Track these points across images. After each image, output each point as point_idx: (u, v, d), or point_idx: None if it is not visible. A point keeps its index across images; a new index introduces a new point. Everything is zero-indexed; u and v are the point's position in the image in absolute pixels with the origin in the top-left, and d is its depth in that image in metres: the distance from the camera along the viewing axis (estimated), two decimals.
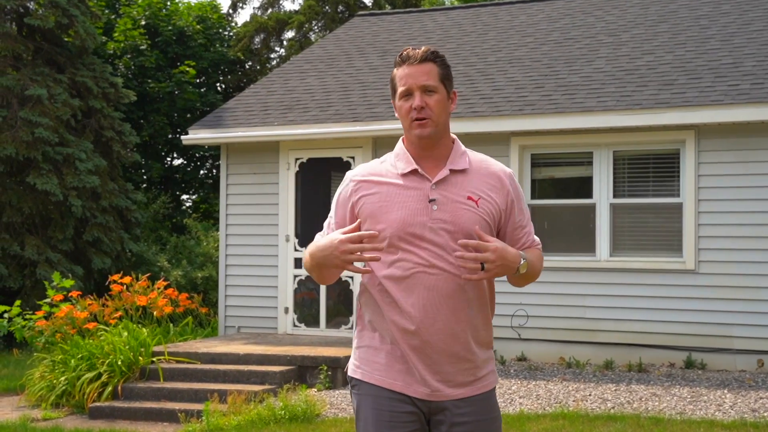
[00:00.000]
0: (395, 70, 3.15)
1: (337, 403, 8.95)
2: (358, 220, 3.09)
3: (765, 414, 8.03)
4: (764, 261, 9.84)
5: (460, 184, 3.10)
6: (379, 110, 11.61)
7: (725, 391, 8.88)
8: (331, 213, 3.23)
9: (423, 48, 3.11)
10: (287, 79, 13.45)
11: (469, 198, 3.08)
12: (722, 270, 10.00)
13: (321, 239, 3.11)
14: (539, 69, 11.84)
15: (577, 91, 10.96)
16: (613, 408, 8.39)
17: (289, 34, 24.80)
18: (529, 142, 10.86)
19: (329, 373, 9.61)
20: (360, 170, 3.20)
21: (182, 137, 12.60)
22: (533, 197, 10.89)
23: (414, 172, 3.10)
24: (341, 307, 11.79)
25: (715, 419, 7.87)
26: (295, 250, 11.84)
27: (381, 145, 11.51)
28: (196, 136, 12.41)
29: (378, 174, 3.15)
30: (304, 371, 9.85)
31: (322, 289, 11.73)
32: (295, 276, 11.85)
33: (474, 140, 11.04)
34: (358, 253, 2.97)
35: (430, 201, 3.06)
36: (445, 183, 3.09)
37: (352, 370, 3.22)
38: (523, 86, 11.41)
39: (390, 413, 3.09)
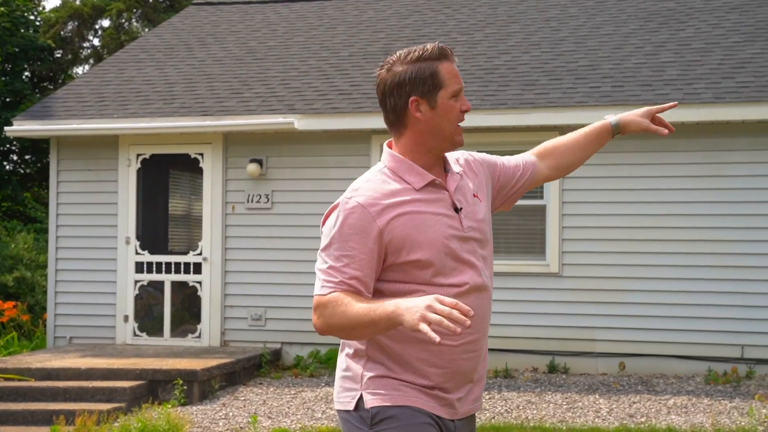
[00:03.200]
0: (436, 64, 2.67)
1: (199, 420, 8.21)
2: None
3: (642, 420, 7.97)
4: (625, 264, 9.87)
5: (465, 186, 2.81)
6: (230, 104, 10.90)
7: (597, 397, 8.79)
8: (345, 247, 2.60)
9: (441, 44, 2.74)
10: (122, 69, 12.46)
11: (475, 196, 2.81)
12: (585, 273, 9.97)
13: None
14: None
15: None
16: (493, 418, 8.11)
17: (105, 22, 23.37)
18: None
19: (185, 387, 8.84)
20: (367, 192, 2.65)
21: (6, 129, 11.39)
22: None
23: (431, 183, 2.71)
24: (186, 315, 10.98)
25: (599, 427, 7.72)
26: (137, 253, 10.92)
27: (232, 141, 10.81)
28: (21, 127, 11.26)
29: (392, 194, 2.65)
30: (155, 386, 9.03)
31: (167, 295, 10.89)
32: (137, 281, 10.93)
33: (334, 138, 10.57)
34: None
35: (458, 210, 2.72)
36: (458, 189, 2.78)
37: (373, 399, 2.64)
38: None
39: None
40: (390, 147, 2.76)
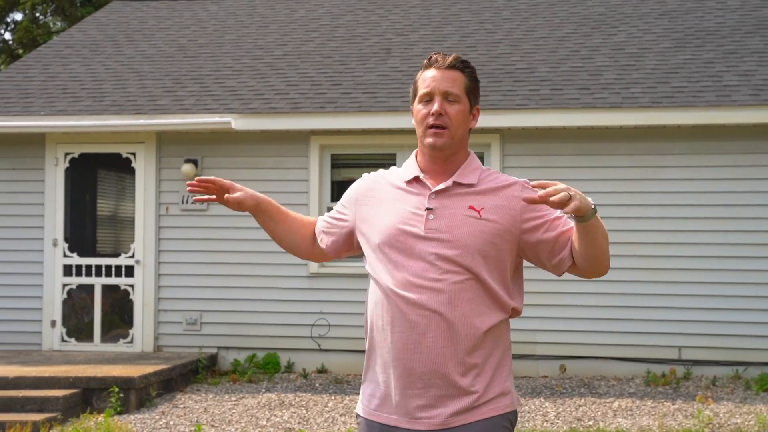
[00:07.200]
0: (419, 73, 2.96)
1: (139, 430, 7.92)
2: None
3: (590, 423, 7.99)
4: None
5: (463, 197, 2.89)
6: (164, 102, 10.59)
7: (543, 400, 8.79)
8: (339, 204, 3.14)
9: (453, 54, 2.96)
10: (47, 65, 12.01)
11: (471, 207, 2.86)
12: (526, 275, 9.92)
13: None
14: (333, 66, 11.32)
15: (377, 89, 10.55)
16: None
17: (18, 16, 22.58)
18: (330, 142, 10.31)
19: (121, 395, 8.52)
20: (376, 172, 3.10)
21: None
22: (333, 200, 10.34)
23: (416, 179, 2.94)
24: (117, 319, 10.63)
25: (549, 431, 7.71)
26: (65, 255, 10.52)
27: (166, 140, 10.50)
28: None
29: (385, 178, 3.02)
30: (90, 394, 8.68)
31: (97, 299, 10.52)
32: (65, 285, 10.53)
33: (271, 138, 10.36)
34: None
35: (427, 209, 2.86)
36: (446, 193, 2.90)
37: (358, 406, 3.04)
38: (319, 83, 10.83)
39: None
40: None
